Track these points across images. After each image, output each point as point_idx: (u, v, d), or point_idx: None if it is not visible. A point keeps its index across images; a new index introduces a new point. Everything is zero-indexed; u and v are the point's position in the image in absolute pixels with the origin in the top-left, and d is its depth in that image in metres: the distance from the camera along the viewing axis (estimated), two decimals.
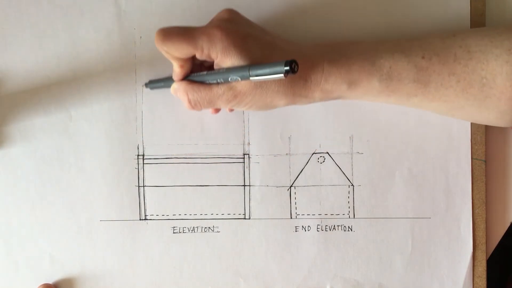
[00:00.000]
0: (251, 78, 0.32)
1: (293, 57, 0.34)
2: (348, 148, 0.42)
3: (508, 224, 0.42)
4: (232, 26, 0.34)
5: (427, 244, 0.42)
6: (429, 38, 0.36)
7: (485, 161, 0.41)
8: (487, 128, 0.42)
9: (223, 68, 0.34)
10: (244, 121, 0.42)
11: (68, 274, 0.42)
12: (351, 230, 0.42)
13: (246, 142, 0.42)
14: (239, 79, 0.33)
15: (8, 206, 0.42)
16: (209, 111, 0.41)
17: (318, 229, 0.42)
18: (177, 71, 0.37)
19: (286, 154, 0.42)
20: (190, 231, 0.42)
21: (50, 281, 0.42)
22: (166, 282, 0.42)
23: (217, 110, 0.41)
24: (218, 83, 0.35)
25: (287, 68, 0.30)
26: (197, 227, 0.42)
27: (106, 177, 0.42)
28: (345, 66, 0.35)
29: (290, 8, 0.41)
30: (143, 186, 0.42)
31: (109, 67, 0.41)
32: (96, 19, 0.41)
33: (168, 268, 0.42)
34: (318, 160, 0.42)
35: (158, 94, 0.42)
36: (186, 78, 0.37)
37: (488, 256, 0.42)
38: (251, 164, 0.42)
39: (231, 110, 0.41)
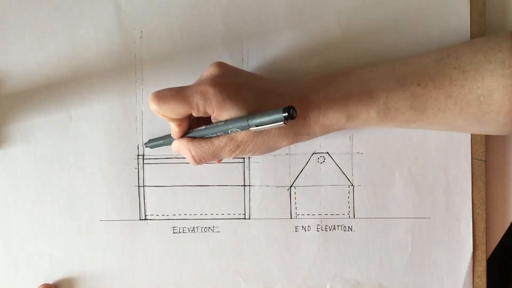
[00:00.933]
0: (250, 128, 0.32)
1: (288, 99, 0.35)
2: (348, 148, 0.42)
3: (508, 224, 0.42)
4: (223, 79, 0.34)
5: (427, 244, 0.42)
6: (423, 61, 0.36)
7: (485, 161, 0.41)
8: None
9: (221, 121, 0.34)
10: None
11: (68, 274, 0.42)
12: (351, 230, 0.42)
13: None
14: (239, 130, 0.33)
15: (8, 206, 0.42)
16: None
17: (318, 229, 0.42)
18: (175, 130, 0.36)
19: (286, 154, 0.42)
20: (190, 231, 0.42)
21: (50, 281, 0.42)
22: (166, 282, 0.42)
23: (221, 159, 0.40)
24: (218, 136, 0.35)
25: (286, 115, 0.30)
26: (197, 227, 0.42)
27: (106, 177, 0.42)
28: (341, 100, 0.36)
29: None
30: (143, 186, 0.42)
31: (109, 67, 0.41)
32: (96, 19, 0.41)
33: (168, 268, 0.42)
34: (318, 160, 0.42)
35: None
36: (185, 135, 0.37)
37: (488, 256, 0.42)
38: (251, 164, 0.42)
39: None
